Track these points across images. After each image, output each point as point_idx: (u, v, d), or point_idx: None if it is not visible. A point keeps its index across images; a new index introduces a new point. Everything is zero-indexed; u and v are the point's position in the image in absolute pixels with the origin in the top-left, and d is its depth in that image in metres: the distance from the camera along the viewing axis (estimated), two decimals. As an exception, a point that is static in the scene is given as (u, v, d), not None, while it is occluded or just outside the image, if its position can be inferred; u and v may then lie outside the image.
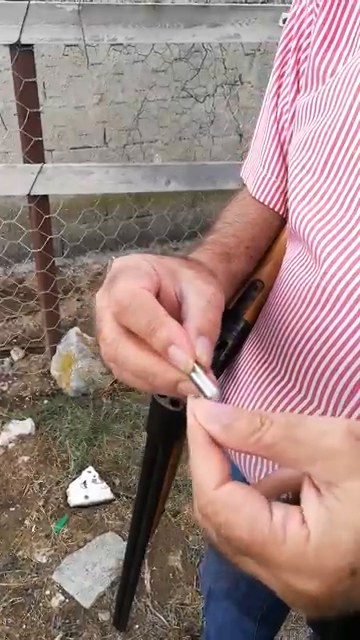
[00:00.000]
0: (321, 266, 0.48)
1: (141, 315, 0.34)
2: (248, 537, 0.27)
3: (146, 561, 1.64)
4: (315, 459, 0.28)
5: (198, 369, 0.35)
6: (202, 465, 0.29)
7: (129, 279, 0.36)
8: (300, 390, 0.51)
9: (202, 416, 0.31)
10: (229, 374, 0.62)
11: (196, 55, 2.77)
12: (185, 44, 2.60)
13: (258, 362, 0.57)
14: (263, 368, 0.56)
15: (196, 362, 0.35)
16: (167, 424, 0.53)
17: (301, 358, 0.50)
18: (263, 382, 0.55)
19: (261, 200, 0.64)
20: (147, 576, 1.60)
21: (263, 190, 0.64)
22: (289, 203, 0.54)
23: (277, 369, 0.54)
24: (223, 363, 0.58)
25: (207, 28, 1.72)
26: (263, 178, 0.64)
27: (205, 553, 1.03)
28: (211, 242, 0.57)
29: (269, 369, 0.55)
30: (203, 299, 0.38)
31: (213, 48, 2.73)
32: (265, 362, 0.56)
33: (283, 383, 0.53)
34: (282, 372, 0.53)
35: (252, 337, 0.60)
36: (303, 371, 0.50)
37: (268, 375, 0.55)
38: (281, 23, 1.90)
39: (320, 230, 0.48)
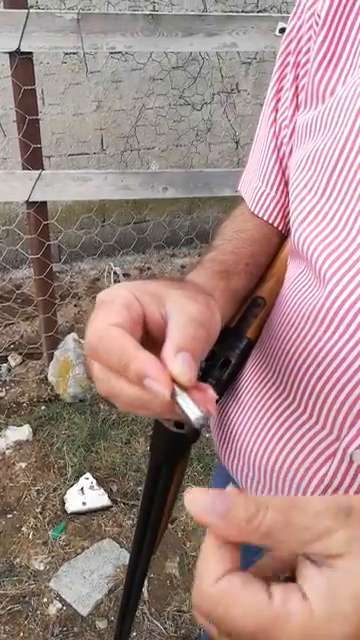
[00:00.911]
0: (325, 287, 0.48)
1: (111, 353, 0.35)
2: (253, 624, 0.26)
3: (144, 568, 1.64)
4: (312, 541, 0.28)
5: (179, 392, 0.34)
6: (203, 561, 0.29)
7: (98, 318, 0.36)
8: (305, 410, 0.51)
9: (199, 511, 0.29)
10: (232, 393, 0.61)
11: (193, 63, 2.79)
12: (182, 53, 2.62)
13: (261, 381, 0.57)
14: (267, 387, 0.56)
15: (177, 383, 0.34)
16: (171, 445, 0.53)
17: (305, 378, 0.50)
18: (267, 401, 0.55)
19: (260, 215, 0.63)
20: (145, 582, 1.60)
21: (262, 205, 0.63)
22: (291, 222, 0.54)
23: (281, 388, 0.54)
24: (227, 382, 0.58)
25: (204, 37, 1.74)
26: (262, 193, 0.63)
27: None
28: (210, 260, 0.56)
29: (272, 388, 0.55)
30: (185, 316, 0.37)
31: (210, 57, 2.75)
32: (269, 381, 0.55)
33: (287, 403, 0.52)
34: (286, 392, 0.53)
35: (255, 355, 0.59)
36: (308, 392, 0.50)
37: (272, 394, 0.54)
38: (277, 32, 1.92)
39: (323, 250, 0.48)
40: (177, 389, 0.34)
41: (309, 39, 0.53)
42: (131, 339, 0.35)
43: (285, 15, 2.25)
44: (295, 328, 0.52)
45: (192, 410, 0.34)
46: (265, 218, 0.63)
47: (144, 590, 1.58)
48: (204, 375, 0.57)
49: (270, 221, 0.63)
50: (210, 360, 0.57)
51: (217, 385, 0.56)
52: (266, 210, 0.63)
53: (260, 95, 3.00)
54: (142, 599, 1.56)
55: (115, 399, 0.37)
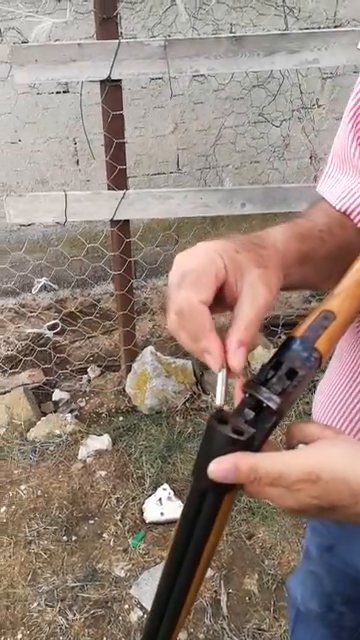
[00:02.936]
0: None
1: (192, 325, 0.46)
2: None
3: (222, 582, 1.64)
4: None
5: (221, 376, 0.46)
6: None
7: (192, 289, 0.46)
8: None
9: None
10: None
11: (271, 81, 2.82)
12: (262, 71, 2.66)
13: None
14: None
15: (228, 368, 0.46)
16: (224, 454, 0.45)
17: None
18: None
19: (338, 207, 0.63)
20: (223, 597, 1.59)
21: (345, 200, 0.63)
22: None
23: None
24: (291, 394, 0.48)
25: (286, 55, 1.76)
26: (348, 191, 0.63)
27: (297, 568, 1.01)
28: (291, 223, 0.60)
29: None
30: (254, 308, 0.47)
31: (290, 73, 2.77)
32: None
33: None
34: None
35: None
36: None
37: None
38: (359, 46, 1.91)
39: None
40: (224, 370, 0.46)
41: None
42: (209, 319, 0.46)
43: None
44: None
45: (219, 395, 0.46)
46: (343, 210, 0.63)
47: (223, 605, 1.57)
48: (265, 383, 0.48)
49: (348, 212, 0.63)
50: (275, 369, 0.49)
51: (282, 394, 0.47)
52: (348, 205, 0.63)
53: (337, 109, 2.98)
54: (221, 614, 1.55)
55: (175, 336, 0.48)
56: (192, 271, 0.47)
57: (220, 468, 0.43)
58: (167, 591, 0.53)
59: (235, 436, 0.44)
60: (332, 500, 0.43)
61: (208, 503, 0.47)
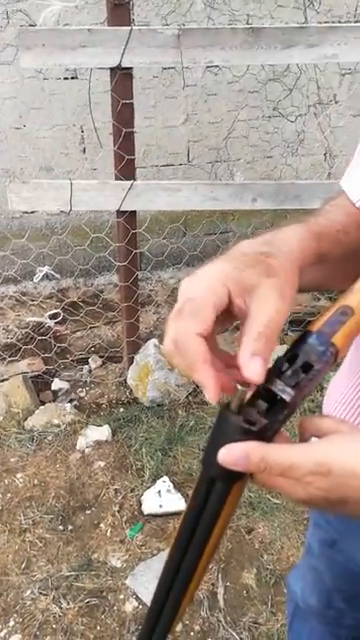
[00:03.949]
0: None
1: (187, 357, 0.44)
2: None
3: (220, 575, 1.63)
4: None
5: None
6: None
7: (189, 320, 0.44)
8: None
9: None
10: None
11: (288, 75, 2.79)
12: (278, 64, 2.63)
13: None
14: None
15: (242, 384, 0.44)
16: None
17: None
18: None
19: (358, 205, 0.60)
20: (220, 590, 1.59)
21: None
22: None
23: None
24: (306, 387, 0.47)
25: (304, 49, 1.73)
26: None
27: (296, 564, 1.00)
28: (310, 221, 0.57)
29: None
30: (263, 318, 0.44)
31: (307, 68, 2.74)
32: None
33: None
34: None
35: None
36: None
37: None
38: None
39: None
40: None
41: None
42: (204, 351, 0.44)
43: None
44: None
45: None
46: None
47: (220, 597, 1.57)
48: (279, 375, 0.48)
49: None
50: (290, 362, 0.48)
51: (296, 387, 0.47)
52: None
53: (355, 106, 2.94)
54: (218, 607, 1.55)
55: (171, 363, 0.48)
56: (191, 301, 0.45)
57: (231, 454, 0.43)
58: (169, 580, 0.52)
59: (247, 426, 0.44)
60: (342, 494, 0.43)
61: (216, 491, 0.47)
